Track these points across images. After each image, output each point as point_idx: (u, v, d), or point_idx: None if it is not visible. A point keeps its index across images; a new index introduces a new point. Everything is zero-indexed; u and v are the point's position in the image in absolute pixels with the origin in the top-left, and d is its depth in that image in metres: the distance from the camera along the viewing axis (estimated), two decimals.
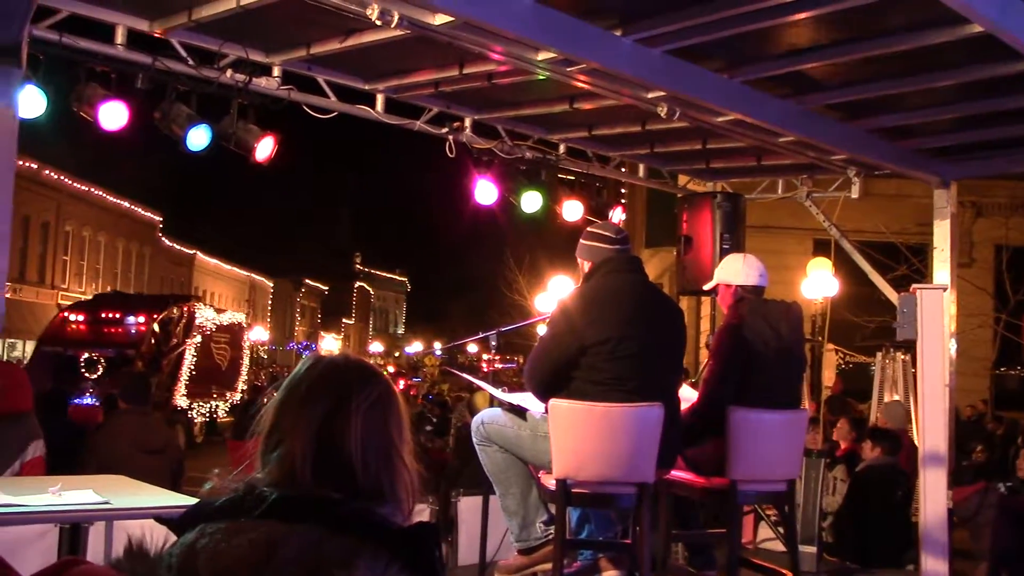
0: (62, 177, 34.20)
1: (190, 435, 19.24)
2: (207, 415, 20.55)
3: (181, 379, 19.21)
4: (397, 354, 69.99)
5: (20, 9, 1.73)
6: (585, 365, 4.22)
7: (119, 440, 6.27)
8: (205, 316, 20.51)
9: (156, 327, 18.61)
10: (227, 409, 21.11)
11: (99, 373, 16.76)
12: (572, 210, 8.32)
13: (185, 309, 19.87)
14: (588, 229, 4.73)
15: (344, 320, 73.84)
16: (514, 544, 4.70)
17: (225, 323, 21.55)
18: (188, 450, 18.22)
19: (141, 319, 18.46)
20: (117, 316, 18.49)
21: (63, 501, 3.65)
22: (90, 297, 24.65)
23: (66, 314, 19.26)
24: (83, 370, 16.94)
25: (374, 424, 1.76)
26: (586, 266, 4.57)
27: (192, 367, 19.55)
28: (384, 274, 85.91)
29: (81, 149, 29.80)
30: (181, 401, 19.19)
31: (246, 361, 22.84)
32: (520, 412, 4.57)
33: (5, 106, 1.73)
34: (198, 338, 19.82)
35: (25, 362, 19.52)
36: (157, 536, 1.68)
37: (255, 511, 1.61)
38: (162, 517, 1.72)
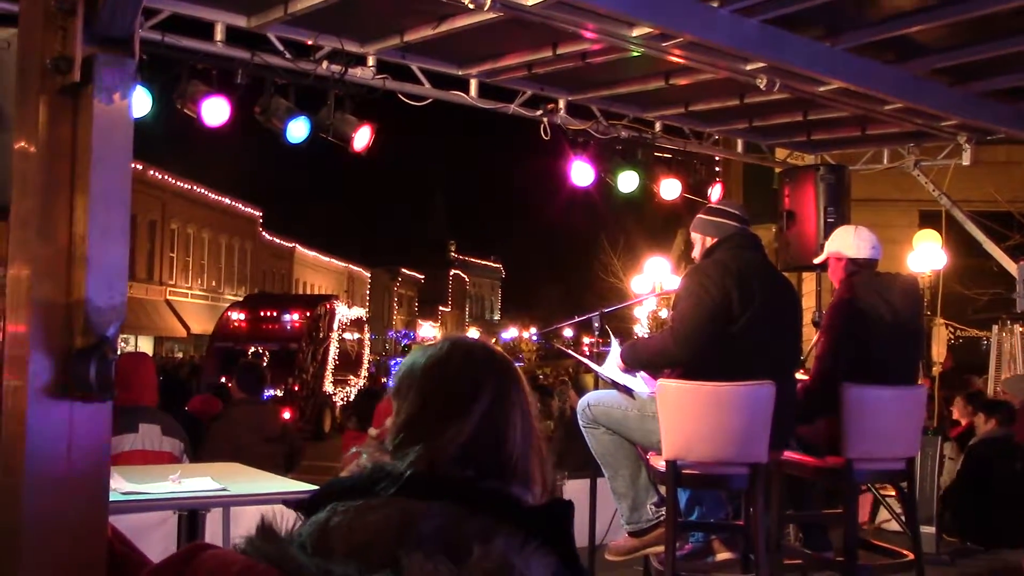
0: (166, 177, 35.35)
1: (334, 417, 21.32)
2: (344, 399, 22.33)
3: (328, 368, 21.62)
4: (494, 340, 70.34)
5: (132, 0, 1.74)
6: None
7: (239, 429, 6.37)
8: (342, 312, 23.10)
9: (311, 323, 21.08)
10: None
11: (264, 364, 18.71)
12: (670, 188, 8.21)
13: (328, 306, 22.55)
14: (711, 205, 4.74)
15: (441, 308, 74.54)
16: (624, 526, 4.66)
17: (353, 317, 24.14)
18: (332, 431, 20.17)
19: (296, 316, 21.07)
20: (274, 314, 21.18)
21: (182, 488, 3.74)
22: (241, 298, 28.46)
23: (229, 313, 22.16)
24: None
25: (527, 414, 1.76)
26: (708, 241, 4.52)
27: (335, 357, 22.02)
28: (479, 261, 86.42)
29: (183, 149, 30.75)
30: (328, 387, 21.49)
31: (367, 351, 25.22)
32: (627, 391, 4.52)
33: (121, 97, 1.74)
34: (339, 332, 22.37)
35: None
36: (285, 519, 1.69)
37: (389, 489, 1.60)
38: (289, 501, 1.72)
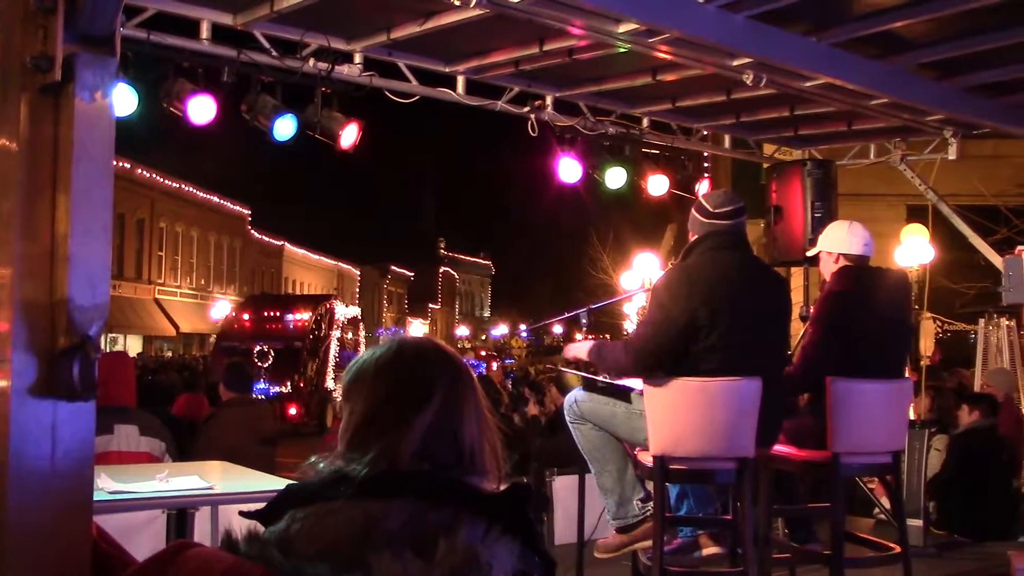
0: (155, 175, 35.26)
1: (335, 413, 21.70)
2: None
3: (329, 364, 22.38)
4: (484, 337, 70.39)
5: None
6: (689, 356, 4.12)
7: (231, 430, 6.31)
8: (340, 311, 23.92)
9: (313, 321, 21.91)
10: None
11: (269, 362, 20.13)
12: (657, 184, 8.22)
13: (328, 306, 23.34)
14: (699, 197, 4.51)
15: (431, 305, 74.50)
16: (611, 522, 4.66)
17: (350, 316, 24.99)
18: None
19: (298, 316, 21.90)
20: (277, 314, 22.03)
21: (170, 487, 3.74)
22: (243, 300, 29.41)
23: (234, 314, 23.29)
24: (256, 361, 19.88)
25: (479, 406, 1.79)
26: (691, 238, 4.38)
27: (335, 354, 22.76)
28: (468, 258, 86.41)
29: (171, 147, 30.71)
30: (329, 384, 22.10)
31: (363, 348, 26.00)
32: (625, 394, 4.49)
33: (102, 96, 1.74)
34: (338, 330, 23.17)
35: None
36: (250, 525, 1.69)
37: (346, 491, 1.61)
38: (244, 512, 1.72)
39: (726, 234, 4.30)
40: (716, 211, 4.32)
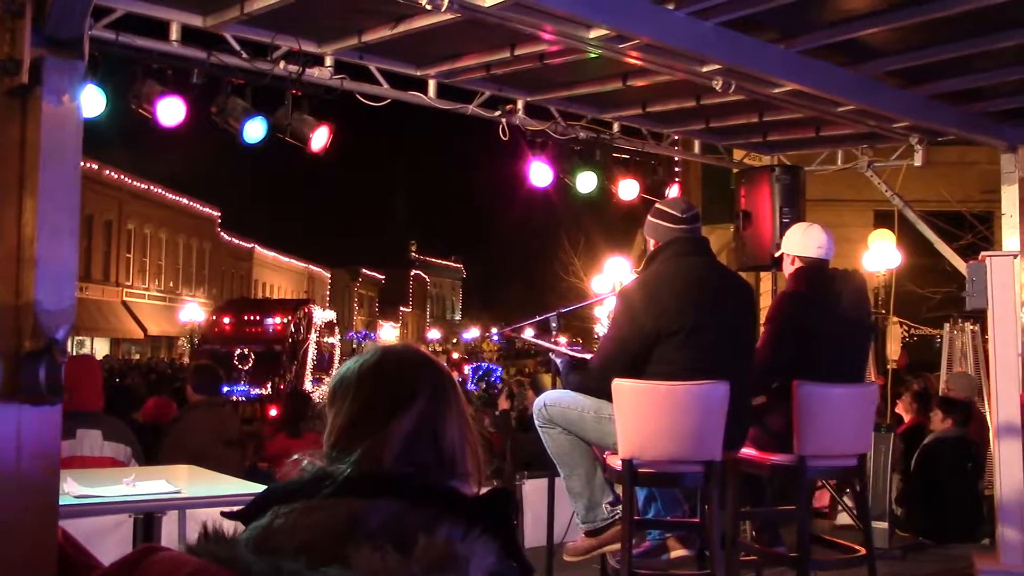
0: (123, 176, 34.93)
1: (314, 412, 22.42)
2: (321, 398, 22.89)
3: (307, 367, 22.57)
4: (455, 340, 70.29)
5: (81, 2, 1.74)
6: (656, 356, 4.17)
7: (197, 432, 6.27)
8: (317, 315, 24.16)
9: (293, 325, 22.25)
10: None
11: (249, 365, 20.52)
12: (627, 189, 8.26)
13: (306, 310, 23.65)
14: (655, 205, 4.58)
15: (402, 308, 74.30)
16: (580, 526, 4.68)
17: (326, 320, 25.24)
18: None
19: (278, 319, 22.36)
20: (257, 318, 22.43)
21: (137, 491, 3.72)
22: (222, 304, 29.78)
23: (214, 317, 23.79)
24: (236, 363, 20.30)
25: (462, 412, 1.83)
26: (651, 245, 4.45)
27: (313, 357, 22.93)
28: (440, 261, 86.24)
29: (140, 148, 30.47)
30: (308, 386, 22.24)
31: (338, 352, 26.03)
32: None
33: (70, 99, 1.74)
34: (315, 334, 23.38)
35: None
36: (227, 524, 1.70)
37: (329, 490, 1.64)
38: (226, 512, 1.74)
39: (690, 240, 4.39)
40: (681, 216, 4.41)
